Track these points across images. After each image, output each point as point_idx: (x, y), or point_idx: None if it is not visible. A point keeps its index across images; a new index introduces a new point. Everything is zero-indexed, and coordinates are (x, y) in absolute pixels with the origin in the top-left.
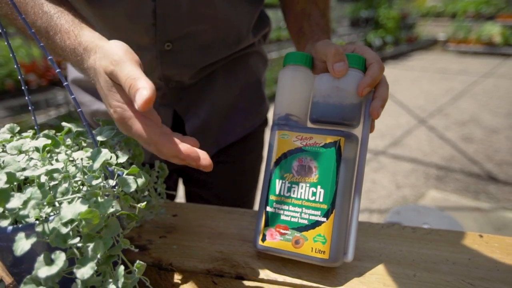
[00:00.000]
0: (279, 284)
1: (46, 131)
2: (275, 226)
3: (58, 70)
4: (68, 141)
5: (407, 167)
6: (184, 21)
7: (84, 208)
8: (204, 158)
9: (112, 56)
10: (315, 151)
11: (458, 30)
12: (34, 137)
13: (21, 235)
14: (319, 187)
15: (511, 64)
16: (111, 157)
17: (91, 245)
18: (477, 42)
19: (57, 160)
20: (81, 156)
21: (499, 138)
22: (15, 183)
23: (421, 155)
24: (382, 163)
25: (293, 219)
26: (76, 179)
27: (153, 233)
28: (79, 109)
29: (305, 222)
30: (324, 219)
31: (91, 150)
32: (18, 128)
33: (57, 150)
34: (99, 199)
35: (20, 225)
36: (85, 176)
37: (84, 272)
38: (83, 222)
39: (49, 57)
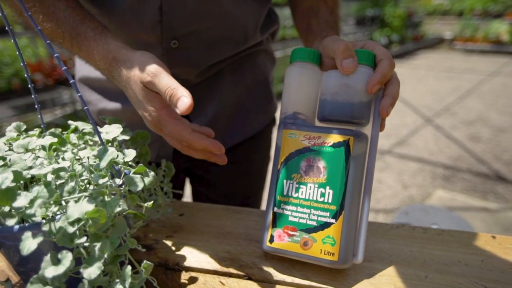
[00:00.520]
0: (288, 285)
1: (52, 130)
2: (283, 227)
3: (64, 68)
4: (75, 140)
5: (414, 167)
6: (190, 18)
7: (91, 207)
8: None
9: (149, 69)
10: (323, 151)
11: (465, 28)
12: (40, 135)
13: (27, 234)
14: (327, 187)
15: None
16: (117, 156)
17: (98, 245)
18: (484, 41)
19: (63, 159)
20: (88, 154)
21: (507, 137)
22: (21, 182)
23: (427, 155)
24: (387, 163)
25: (301, 220)
26: (83, 177)
27: (160, 233)
28: (86, 107)
29: (314, 223)
30: (333, 221)
31: (97, 148)
32: (25, 127)
33: (63, 149)
34: (106, 198)
35: (26, 224)
36: (92, 175)
37: (91, 272)
38: (90, 222)
39: (56, 55)
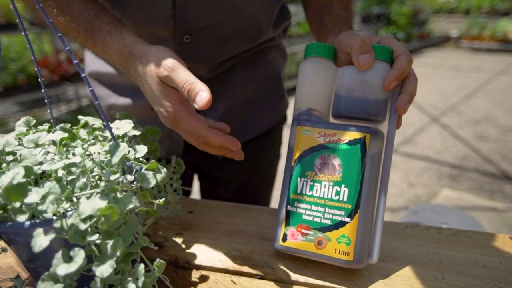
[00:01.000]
0: (300, 285)
1: (62, 125)
2: (297, 225)
3: (76, 61)
4: (84, 135)
5: (420, 166)
6: (203, 13)
7: (103, 204)
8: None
9: (166, 63)
10: (338, 148)
11: (471, 26)
12: (50, 130)
13: (39, 231)
14: (343, 186)
15: None
16: (129, 152)
17: (110, 242)
18: (491, 39)
19: (73, 154)
20: (98, 150)
21: None
22: (32, 177)
23: (434, 154)
24: (393, 161)
25: (315, 219)
26: (94, 173)
27: (169, 230)
28: (97, 102)
29: (328, 222)
30: (348, 220)
31: (108, 144)
32: (34, 121)
33: (73, 144)
34: (118, 195)
35: (37, 221)
36: (103, 171)
37: (104, 270)
38: (102, 219)
39: (67, 48)
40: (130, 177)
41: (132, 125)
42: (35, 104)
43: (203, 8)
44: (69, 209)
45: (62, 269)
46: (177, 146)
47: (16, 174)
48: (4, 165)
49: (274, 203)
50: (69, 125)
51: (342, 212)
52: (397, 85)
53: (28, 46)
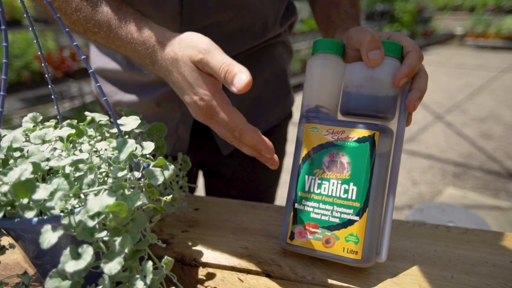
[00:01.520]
0: (308, 283)
1: (68, 121)
2: (304, 224)
3: (83, 57)
4: (90, 132)
5: (424, 164)
6: (211, 10)
7: (111, 200)
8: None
9: (200, 45)
10: (347, 146)
11: (476, 24)
12: (56, 126)
13: (47, 227)
14: (351, 184)
15: None
16: (136, 148)
17: (118, 239)
18: (497, 37)
19: (80, 151)
20: (105, 146)
21: None
22: (39, 173)
23: (438, 152)
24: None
25: (323, 217)
26: (101, 170)
27: (175, 227)
28: (104, 98)
29: (337, 220)
30: (356, 218)
31: (114, 140)
32: (41, 117)
33: (79, 141)
34: (126, 192)
35: (45, 217)
36: (111, 168)
37: (112, 267)
38: (111, 215)
39: (75, 43)
40: (137, 174)
41: (139, 121)
42: (39, 101)
43: (210, 5)
44: (77, 205)
45: (71, 265)
46: (183, 143)
47: (24, 170)
48: (11, 161)
49: (278, 200)
50: (76, 121)
51: (351, 211)
52: (407, 81)
53: (35, 42)
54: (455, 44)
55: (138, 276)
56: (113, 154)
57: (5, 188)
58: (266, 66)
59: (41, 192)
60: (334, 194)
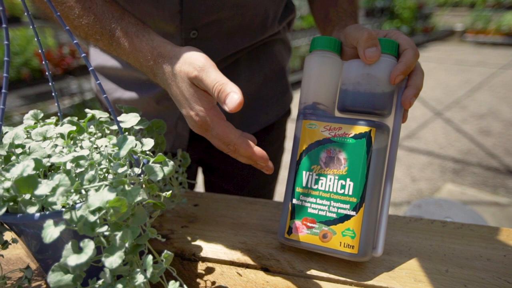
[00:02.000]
0: (305, 277)
1: (69, 118)
2: (302, 219)
3: (83, 55)
4: (91, 128)
5: (423, 160)
6: (210, 8)
7: (111, 196)
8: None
9: (196, 63)
10: (344, 142)
11: (476, 20)
12: (57, 123)
13: (49, 222)
14: (348, 179)
15: None
16: (136, 145)
17: (119, 234)
18: (497, 33)
19: (81, 147)
20: (105, 143)
21: None
22: (41, 170)
23: (437, 148)
24: (397, 156)
25: (320, 213)
26: (102, 166)
27: (175, 223)
28: (105, 95)
29: (333, 215)
30: (353, 213)
31: (114, 137)
32: (42, 115)
33: (80, 137)
34: (126, 187)
35: (47, 212)
36: (111, 164)
37: (113, 261)
38: (111, 211)
39: (75, 41)
40: (137, 170)
41: (139, 118)
42: (38, 98)
43: (210, 3)
44: (78, 201)
45: (73, 259)
46: (182, 140)
47: (26, 167)
48: (13, 157)
49: (277, 197)
50: (76, 118)
51: (347, 206)
52: (403, 79)
53: (36, 39)
54: (455, 41)
55: (138, 270)
56: (113, 151)
57: (7, 184)
58: (265, 63)
59: (43, 187)
60: (331, 190)
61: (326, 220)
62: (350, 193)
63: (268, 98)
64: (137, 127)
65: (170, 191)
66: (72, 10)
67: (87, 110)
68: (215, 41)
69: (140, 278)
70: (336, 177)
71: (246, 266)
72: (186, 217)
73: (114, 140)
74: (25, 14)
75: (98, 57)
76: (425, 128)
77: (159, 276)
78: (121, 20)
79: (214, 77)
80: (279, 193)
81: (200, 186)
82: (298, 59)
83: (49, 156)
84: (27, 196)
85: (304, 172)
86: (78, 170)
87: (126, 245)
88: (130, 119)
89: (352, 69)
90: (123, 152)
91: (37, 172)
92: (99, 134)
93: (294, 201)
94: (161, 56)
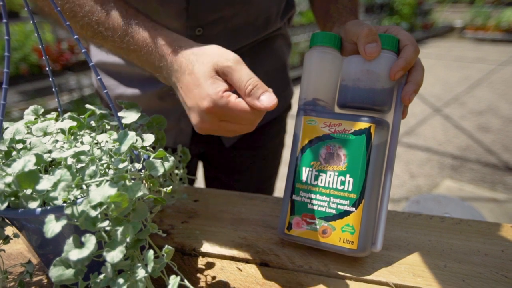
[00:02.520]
0: (305, 272)
1: (69, 113)
2: (302, 215)
3: (84, 50)
4: (92, 124)
5: (422, 156)
6: (216, 6)
7: (112, 191)
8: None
9: (230, 55)
10: (344, 138)
11: (476, 16)
12: (57, 119)
13: (51, 217)
14: (348, 175)
15: None
16: (136, 140)
17: (120, 229)
18: (496, 29)
19: (82, 143)
20: (106, 138)
21: None
22: (42, 165)
23: (436, 145)
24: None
25: (320, 208)
26: (102, 162)
27: (175, 218)
28: (105, 91)
29: (333, 211)
30: (353, 209)
31: (115, 133)
32: (42, 110)
33: (80, 133)
34: (127, 183)
35: (48, 207)
36: (112, 159)
37: (114, 255)
38: (112, 206)
39: (75, 37)
40: (138, 165)
41: (139, 114)
42: (37, 94)
43: (215, 1)
44: (79, 196)
45: (74, 254)
46: (185, 136)
47: (27, 162)
48: (14, 153)
49: (277, 192)
50: (76, 114)
51: (347, 202)
52: (403, 75)
53: (36, 35)
54: (455, 37)
55: (139, 264)
56: (113, 146)
57: (9, 179)
58: (266, 59)
59: (45, 183)
60: (330, 186)
61: (326, 216)
62: (350, 189)
63: None
64: (138, 123)
65: (171, 187)
66: (82, 8)
67: (87, 105)
68: (219, 38)
69: (141, 273)
70: (336, 173)
71: (246, 261)
72: (186, 213)
73: (115, 135)
74: (25, 9)
75: (98, 53)
76: (424, 125)
77: (160, 270)
78: (136, 17)
79: (249, 72)
80: (279, 189)
81: (200, 182)
82: (298, 55)
83: (50, 151)
84: (29, 191)
85: (304, 168)
86: (79, 165)
87: (127, 240)
88: (130, 115)
89: (352, 65)
90: (124, 147)
91: (38, 167)
92: (99, 130)
93: (294, 197)
94: (181, 48)
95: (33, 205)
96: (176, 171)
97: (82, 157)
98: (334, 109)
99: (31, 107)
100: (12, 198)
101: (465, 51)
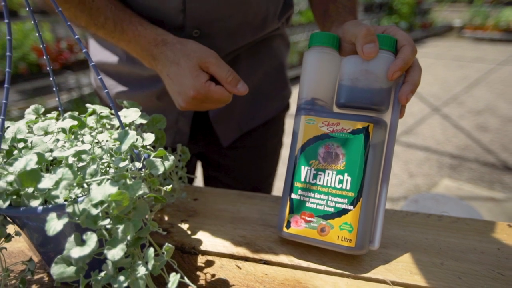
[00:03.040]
0: (304, 270)
1: (70, 113)
2: (300, 213)
3: (85, 50)
4: (92, 123)
5: (420, 156)
6: (213, 7)
7: (113, 190)
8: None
9: (210, 51)
10: (342, 138)
11: (475, 16)
12: (58, 118)
13: (52, 215)
14: (346, 174)
15: None
16: (137, 139)
17: (121, 227)
18: (495, 29)
19: (82, 142)
20: (106, 138)
21: None
22: (43, 164)
23: (434, 144)
24: (394, 151)
25: (318, 207)
26: (103, 160)
27: (175, 217)
28: (106, 90)
29: (331, 210)
30: (351, 207)
31: (115, 132)
32: (43, 109)
33: (81, 132)
34: (128, 181)
35: (50, 206)
36: (112, 158)
37: (115, 253)
38: (113, 204)
39: (76, 37)
40: (138, 164)
41: (140, 113)
42: (36, 93)
43: (213, 2)
44: (80, 194)
45: (76, 252)
46: (183, 135)
47: (29, 161)
48: (15, 151)
49: (276, 191)
50: (77, 113)
51: (345, 200)
52: (400, 75)
53: (37, 35)
54: (453, 36)
55: (140, 262)
56: (114, 145)
57: (11, 178)
58: (264, 59)
59: (46, 181)
60: (329, 184)
61: (324, 214)
62: (348, 187)
63: (268, 93)
64: (138, 122)
65: (171, 185)
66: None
67: (88, 105)
68: (217, 38)
69: (141, 270)
70: (334, 172)
71: (245, 259)
72: (186, 211)
73: (116, 134)
74: (26, 9)
75: (98, 53)
76: (423, 124)
77: (160, 268)
78: (123, 12)
79: (226, 65)
80: (278, 188)
81: (199, 181)
82: (297, 55)
83: (51, 150)
84: (30, 190)
85: (302, 167)
86: (80, 164)
87: (128, 238)
88: (131, 114)
89: (351, 65)
90: (125, 146)
91: (40, 166)
92: (100, 129)
93: (293, 195)
94: (164, 42)
95: (34, 203)
96: (176, 170)
97: (83, 156)
98: (333, 108)
99: (32, 107)
100: (14, 197)
101: (464, 51)
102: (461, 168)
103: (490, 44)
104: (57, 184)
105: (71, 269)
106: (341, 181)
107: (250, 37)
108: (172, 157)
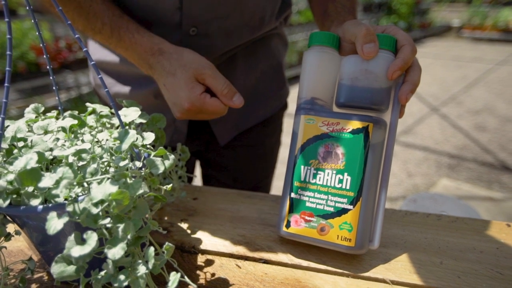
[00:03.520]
0: (303, 269)
1: (69, 112)
2: (300, 212)
3: (85, 49)
4: (92, 122)
5: (419, 156)
6: (210, 5)
7: (114, 189)
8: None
9: (206, 62)
10: (342, 137)
11: (473, 16)
12: (58, 117)
13: (52, 214)
14: (345, 174)
15: None
16: (137, 138)
17: (121, 226)
18: (493, 29)
19: (82, 141)
20: (106, 137)
21: None
22: (43, 163)
23: (433, 144)
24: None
25: (318, 206)
26: (103, 160)
27: (174, 216)
28: (106, 89)
29: (331, 209)
30: (350, 207)
31: (115, 131)
32: (43, 108)
33: (81, 131)
34: (128, 181)
35: (50, 205)
36: (113, 157)
37: (115, 252)
38: (114, 203)
39: (77, 36)
40: (138, 164)
41: (140, 112)
42: (34, 92)
43: (209, 0)
44: (81, 194)
45: (76, 250)
46: (181, 134)
47: (29, 160)
48: (15, 150)
49: (274, 191)
50: (77, 112)
51: (345, 200)
52: (400, 74)
53: (37, 33)
54: (452, 36)
55: (140, 261)
56: (114, 144)
57: (11, 177)
58: (262, 58)
59: (47, 180)
60: (329, 184)
61: (324, 214)
62: (348, 187)
63: (265, 92)
64: (137, 121)
65: (171, 184)
66: (71, 2)
67: (87, 104)
68: (214, 37)
69: (142, 269)
70: (334, 172)
71: (245, 258)
72: (186, 211)
73: (116, 134)
74: (26, 8)
75: (96, 52)
76: (421, 124)
77: (160, 267)
78: (121, 19)
79: (222, 77)
80: (276, 187)
81: (198, 180)
82: (296, 54)
83: (51, 149)
84: (30, 189)
85: (302, 167)
86: (80, 163)
87: (128, 237)
88: (130, 113)
89: (350, 64)
90: (125, 145)
91: (40, 165)
92: (100, 128)
93: (293, 195)
94: (161, 51)
95: (35, 202)
96: (175, 169)
97: (83, 155)
98: (333, 108)
99: (32, 105)
100: (14, 196)
101: (462, 51)
102: (460, 168)
103: (488, 44)
104: (57, 183)
105: (71, 268)
106: (340, 181)
107: (248, 36)
108: (172, 156)
